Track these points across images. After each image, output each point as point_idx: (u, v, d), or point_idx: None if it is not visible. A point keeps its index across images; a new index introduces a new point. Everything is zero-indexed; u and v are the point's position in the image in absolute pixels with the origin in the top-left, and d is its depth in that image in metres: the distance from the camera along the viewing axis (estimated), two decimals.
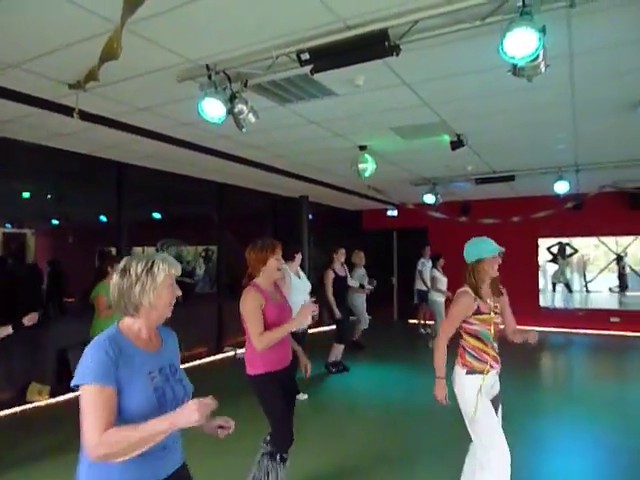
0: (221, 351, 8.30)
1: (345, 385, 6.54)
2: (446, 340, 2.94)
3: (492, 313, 2.90)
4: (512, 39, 2.60)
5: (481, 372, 2.86)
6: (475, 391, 2.83)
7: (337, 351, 7.03)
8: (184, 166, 6.95)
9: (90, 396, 1.55)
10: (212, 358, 8.03)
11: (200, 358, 7.82)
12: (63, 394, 5.76)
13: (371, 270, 8.62)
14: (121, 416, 1.58)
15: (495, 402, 2.95)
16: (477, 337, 2.90)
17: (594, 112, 4.79)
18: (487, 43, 3.01)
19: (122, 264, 1.75)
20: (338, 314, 6.76)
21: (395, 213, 11.80)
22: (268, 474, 3.01)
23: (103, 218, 12.02)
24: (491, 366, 2.89)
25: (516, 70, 2.94)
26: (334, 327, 7.30)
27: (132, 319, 1.74)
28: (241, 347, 8.33)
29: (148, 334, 1.78)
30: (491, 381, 2.93)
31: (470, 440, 2.98)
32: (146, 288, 1.70)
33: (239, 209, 10.12)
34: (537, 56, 2.69)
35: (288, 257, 5.23)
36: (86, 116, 4.33)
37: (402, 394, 6.04)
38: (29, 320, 4.02)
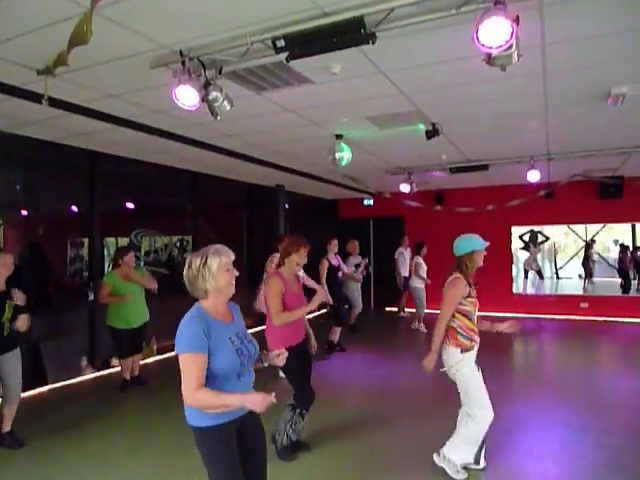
0: None
1: (332, 368, 6.62)
2: (446, 321, 3.46)
3: (475, 297, 3.53)
4: (486, 28, 2.62)
5: (472, 349, 3.46)
6: (471, 366, 3.46)
7: (336, 332, 7.60)
8: (158, 155, 6.83)
9: (187, 361, 2.12)
10: None
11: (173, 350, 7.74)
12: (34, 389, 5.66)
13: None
14: (212, 371, 2.15)
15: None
16: (468, 317, 3.46)
17: (565, 102, 4.88)
18: (462, 32, 3.03)
19: (187, 260, 2.27)
20: (330, 300, 6.68)
21: (371, 202, 11.87)
22: (290, 422, 3.80)
23: (75, 208, 11.74)
24: (475, 341, 3.49)
25: (490, 59, 2.97)
26: (328, 311, 7.87)
27: (207, 300, 2.26)
28: None
29: (222, 309, 2.32)
30: (474, 355, 3.52)
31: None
32: (206, 277, 2.21)
33: (214, 198, 10.02)
34: (510, 46, 2.72)
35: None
36: (56, 103, 4.21)
37: (383, 376, 6.15)
38: (21, 325, 3.97)
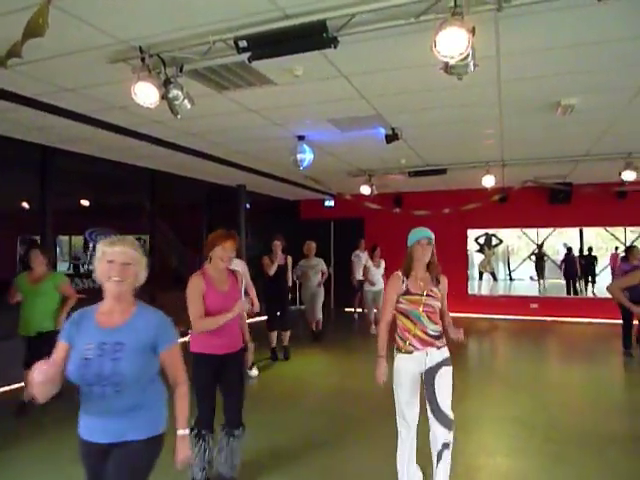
0: None
1: (286, 371, 6.63)
2: (385, 322, 3.20)
3: (425, 295, 3.10)
4: (444, 38, 2.70)
5: (406, 352, 3.11)
6: (401, 370, 3.12)
7: (273, 338, 7.13)
8: (115, 152, 6.67)
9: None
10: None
11: None
12: None
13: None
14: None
15: (432, 369, 3.08)
16: (407, 316, 3.13)
17: (519, 111, 5.08)
18: (421, 40, 3.11)
19: None
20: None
21: (332, 203, 11.96)
22: (193, 448, 3.13)
23: (26, 205, 11.30)
24: (412, 346, 3.09)
25: (447, 68, 3.06)
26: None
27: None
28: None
29: (109, 308, 2.05)
30: (413, 361, 3.10)
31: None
32: (95, 265, 2.04)
33: (173, 197, 9.86)
34: (466, 55, 2.81)
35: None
36: (7, 95, 4.07)
37: (339, 379, 6.19)
38: None
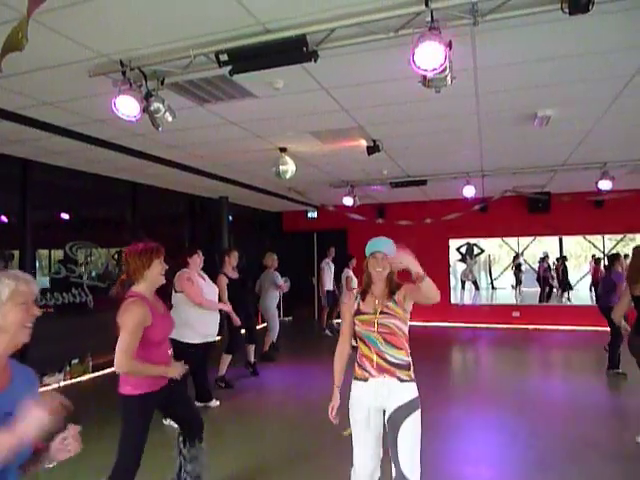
0: None
1: (260, 387, 6.54)
2: (341, 347, 2.84)
3: (378, 313, 2.65)
4: (422, 52, 2.76)
5: (361, 378, 2.68)
6: (355, 402, 2.69)
7: (225, 362, 6.31)
8: (96, 164, 6.62)
9: None
10: None
11: (113, 366, 7.46)
12: None
13: (292, 271, 8.68)
14: None
15: (394, 418, 2.58)
16: (362, 340, 2.71)
17: (496, 122, 5.18)
18: (400, 54, 3.16)
19: None
20: (237, 321, 6.07)
21: (315, 215, 11.99)
22: None
23: (4, 219, 11.11)
24: (367, 371, 2.65)
25: (425, 81, 3.12)
26: (226, 335, 6.74)
27: None
28: None
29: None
30: (369, 391, 2.64)
31: None
32: None
33: (155, 210, 9.77)
34: (444, 68, 2.87)
35: (186, 257, 5.16)
36: None
37: (315, 394, 6.14)
38: None
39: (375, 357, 2.64)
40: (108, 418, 5.21)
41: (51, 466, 1.61)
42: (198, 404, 5.27)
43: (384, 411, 2.66)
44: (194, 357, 4.82)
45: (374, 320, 2.65)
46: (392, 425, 2.59)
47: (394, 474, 2.58)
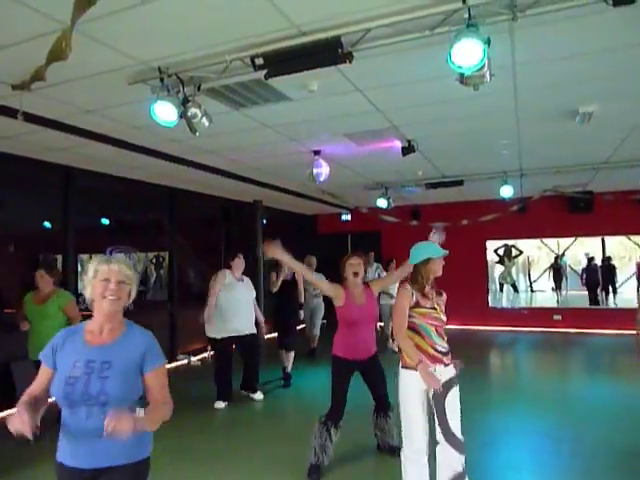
0: (174, 359, 8.13)
1: (300, 389, 6.54)
2: (402, 331, 3.07)
3: (437, 309, 3.10)
4: (459, 49, 2.71)
5: (414, 369, 2.94)
6: (405, 385, 3.05)
7: (289, 360, 6.70)
8: (134, 170, 6.78)
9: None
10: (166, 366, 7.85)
11: None
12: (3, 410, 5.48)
13: (326, 274, 8.64)
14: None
15: (439, 397, 2.92)
16: (417, 331, 3.05)
17: (536, 119, 5.04)
18: (436, 52, 3.12)
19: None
20: (262, 322, 6.27)
21: (349, 217, 11.96)
22: (319, 437, 3.78)
23: (47, 224, 11.52)
24: (420, 360, 2.93)
25: (463, 79, 3.06)
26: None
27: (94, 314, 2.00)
28: (195, 354, 8.21)
29: (99, 327, 1.99)
30: (420, 379, 2.92)
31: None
32: (85, 285, 1.99)
33: (191, 214, 9.96)
34: (482, 66, 2.81)
35: (229, 261, 5.80)
36: (31, 118, 4.17)
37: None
38: None
39: (429, 348, 3.02)
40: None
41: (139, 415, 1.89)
42: (242, 392, 5.92)
43: (428, 394, 3.00)
44: (220, 350, 5.69)
45: (430, 314, 3.06)
46: (437, 397, 2.92)
47: (442, 438, 2.92)
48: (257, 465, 4.05)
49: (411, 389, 3.02)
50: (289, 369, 6.71)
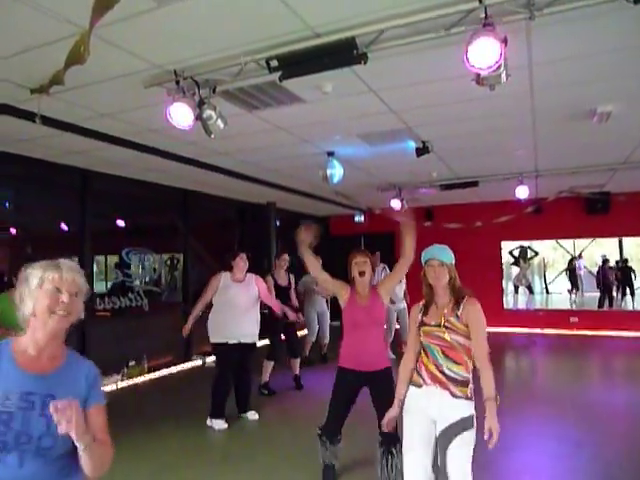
0: (189, 359, 8.18)
1: (304, 394, 6.35)
2: (407, 357, 2.79)
3: (442, 327, 2.58)
4: (475, 49, 2.69)
5: (417, 385, 2.66)
6: (406, 403, 2.70)
7: (267, 369, 6.26)
8: (150, 173, 6.84)
9: None
10: (180, 367, 7.91)
11: (167, 367, 7.70)
12: None
13: (339, 275, 8.63)
14: None
15: (444, 436, 2.51)
16: (424, 350, 2.68)
17: (553, 120, 4.98)
18: (452, 52, 3.10)
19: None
20: (292, 315, 5.88)
21: (362, 219, 11.93)
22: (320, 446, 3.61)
23: (64, 226, 11.67)
24: (424, 380, 2.62)
25: (479, 79, 3.03)
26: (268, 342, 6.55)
27: (27, 332, 1.60)
28: (209, 356, 8.25)
29: (37, 349, 1.58)
30: (424, 398, 2.61)
31: None
32: (23, 296, 1.59)
33: (205, 216, 10.01)
34: (499, 66, 2.78)
35: (230, 261, 5.24)
36: (48, 122, 4.22)
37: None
38: None
39: (432, 367, 2.61)
40: (165, 416, 5.36)
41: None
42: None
43: (434, 423, 2.58)
44: (221, 358, 5.16)
45: (436, 333, 2.60)
46: (442, 443, 2.52)
47: None
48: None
49: (412, 407, 2.65)
50: (297, 372, 6.58)
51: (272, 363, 6.29)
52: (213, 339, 5.14)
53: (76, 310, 1.61)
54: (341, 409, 3.51)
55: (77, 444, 1.45)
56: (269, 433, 4.92)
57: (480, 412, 2.52)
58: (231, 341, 5.07)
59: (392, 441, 3.31)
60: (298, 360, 6.65)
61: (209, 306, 5.26)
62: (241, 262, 5.26)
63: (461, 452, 2.48)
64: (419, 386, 2.63)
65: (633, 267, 12.21)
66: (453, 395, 2.52)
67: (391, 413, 2.78)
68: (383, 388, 3.37)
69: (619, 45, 3.30)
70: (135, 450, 4.39)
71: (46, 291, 1.55)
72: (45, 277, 1.57)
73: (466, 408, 2.53)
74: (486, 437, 2.41)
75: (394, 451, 3.30)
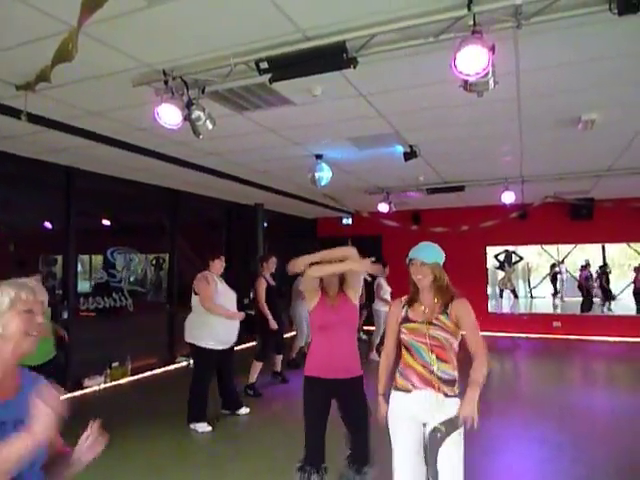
0: (174, 361, 8.11)
1: (289, 395, 6.20)
2: (386, 354, 2.77)
3: (427, 324, 2.54)
4: (464, 56, 2.72)
5: (405, 390, 2.57)
6: (391, 411, 2.61)
7: (256, 370, 6.25)
8: (137, 172, 6.79)
9: None
10: (165, 369, 7.84)
11: (152, 369, 7.63)
12: None
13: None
14: None
15: (436, 435, 2.47)
16: (407, 348, 2.60)
17: (539, 126, 5.05)
18: (440, 58, 3.12)
19: None
20: (274, 325, 6.21)
21: (350, 221, 11.96)
22: None
23: (48, 225, 11.52)
24: (411, 382, 2.55)
25: (467, 85, 3.07)
26: (257, 342, 6.54)
27: None
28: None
29: (2, 375, 1.46)
30: (412, 402, 2.54)
31: None
32: None
33: (193, 216, 9.95)
34: (487, 73, 2.82)
35: (208, 261, 5.14)
36: (35, 119, 4.17)
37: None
38: None
39: (420, 368, 2.53)
40: (148, 418, 5.31)
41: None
42: (225, 412, 5.35)
43: (424, 425, 2.54)
44: (207, 362, 4.98)
45: (424, 330, 2.53)
46: (433, 442, 2.47)
47: None
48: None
49: (397, 412, 2.58)
50: (278, 369, 6.81)
51: (261, 364, 6.29)
52: (199, 342, 4.95)
53: (44, 332, 1.56)
54: (319, 426, 3.10)
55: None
56: (256, 435, 4.91)
57: None
58: (221, 347, 5.01)
59: (363, 461, 3.07)
60: (280, 357, 6.74)
61: (189, 307, 5.15)
62: (219, 264, 5.17)
63: (455, 449, 2.47)
64: (407, 391, 2.54)
65: (610, 272, 12.44)
66: (445, 395, 2.50)
67: (381, 412, 2.68)
68: (354, 400, 3.12)
69: (605, 54, 3.36)
70: (119, 453, 4.33)
71: (20, 313, 1.47)
72: (18, 298, 1.48)
73: (457, 406, 2.50)
74: (461, 422, 2.41)
75: (365, 470, 3.07)
